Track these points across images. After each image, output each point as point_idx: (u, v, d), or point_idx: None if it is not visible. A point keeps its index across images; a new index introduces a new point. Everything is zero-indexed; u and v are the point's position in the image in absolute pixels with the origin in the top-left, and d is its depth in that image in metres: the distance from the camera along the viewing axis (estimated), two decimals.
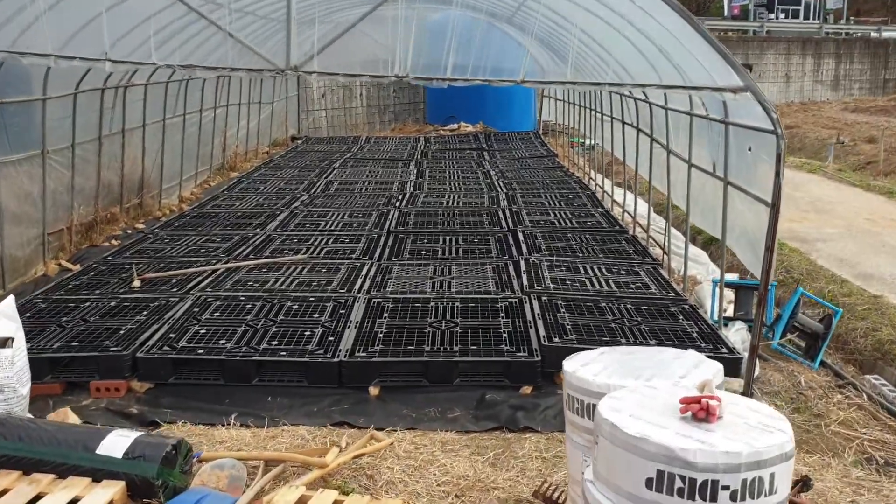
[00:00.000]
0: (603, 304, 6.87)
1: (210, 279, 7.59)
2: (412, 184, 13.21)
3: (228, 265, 8.04)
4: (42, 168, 8.54)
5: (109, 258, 8.49)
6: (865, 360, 6.96)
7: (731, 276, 8.25)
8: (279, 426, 5.15)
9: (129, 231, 10.37)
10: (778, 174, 5.01)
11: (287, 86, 19.97)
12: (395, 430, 5.08)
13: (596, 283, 7.49)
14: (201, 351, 5.85)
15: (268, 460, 4.47)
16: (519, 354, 5.84)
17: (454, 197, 11.98)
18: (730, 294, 7.42)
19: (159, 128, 11.92)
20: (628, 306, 6.84)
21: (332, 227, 9.93)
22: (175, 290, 7.23)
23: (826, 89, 35.48)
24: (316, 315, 6.56)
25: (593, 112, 13.30)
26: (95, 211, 9.96)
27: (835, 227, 11.44)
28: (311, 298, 6.96)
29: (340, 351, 5.86)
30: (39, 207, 8.53)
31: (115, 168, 10.53)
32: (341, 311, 6.64)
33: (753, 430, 2.78)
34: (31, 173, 8.41)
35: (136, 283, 7.38)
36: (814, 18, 42.49)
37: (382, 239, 9.30)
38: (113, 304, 6.85)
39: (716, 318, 6.86)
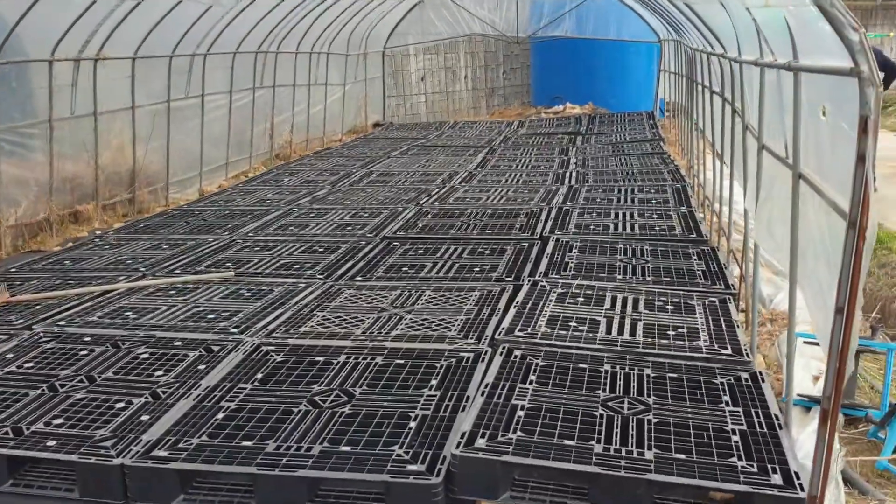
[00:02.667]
0: (606, 367, 4.32)
1: (90, 303, 5.67)
2: (464, 175, 10.87)
3: (133, 284, 6.09)
4: None
5: (13, 269, 6.78)
6: None
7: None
8: None
9: (99, 232, 8.71)
10: (863, 157, 2.36)
11: (367, 67, 18.06)
12: None
13: (617, 329, 4.92)
14: None
15: None
16: (411, 467, 3.45)
17: (501, 192, 9.54)
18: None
19: (161, 111, 10.26)
20: (647, 371, 4.26)
21: (318, 231, 7.82)
22: (21, 321, 5.34)
23: None
24: (159, 373, 4.45)
25: (692, 82, 10.41)
26: (48, 209, 8.36)
27: None
28: (178, 342, 4.85)
29: (131, 449, 3.70)
30: None
31: (83, 158, 8.91)
32: (199, 367, 4.49)
33: None
34: None
35: None
36: None
37: (367, 248, 7.08)
38: None
39: (794, 398, 4.16)
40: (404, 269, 6.45)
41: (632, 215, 7.99)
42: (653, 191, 9.25)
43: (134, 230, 8.20)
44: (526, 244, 7.02)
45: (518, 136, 15.19)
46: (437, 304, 5.48)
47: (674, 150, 13.25)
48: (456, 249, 6.96)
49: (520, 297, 5.50)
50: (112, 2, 8.19)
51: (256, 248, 7.21)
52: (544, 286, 5.73)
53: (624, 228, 7.47)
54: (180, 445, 3.67)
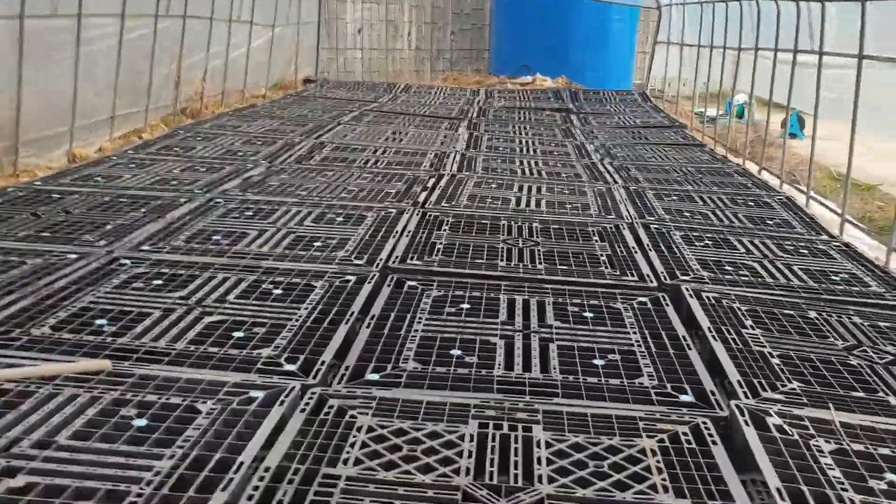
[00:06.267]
0: None
1: None
2: (457, 158, 7.72)
3: None
4: None
5: None
6: None
7: None
8: None
9: None
10: None
11: (300, 7, 14.51)
12: None
13: None
14: None
15: None
16: None
17: (532, 189, 6.46)
18: None
19: (9, 31, 6.65)
20: None
21: (265, 247, 4.54)
22: None
23: None
24: None
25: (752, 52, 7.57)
26: None
27: None
28: None
29: None
30: None
31: None
32: None
33: None
34: None
35: None
36: None
37: (362, 293, 3.88)
38: None
39: None
40: (451, 351, 3.30)
41: (768, 247, 5.08)
42: (750, 203, 6.39)
43: None
44: (647, 300, 3.98)
45: (496, 108, 12.12)
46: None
47: (706, 142, 10.50)
48: (528, 303, 3.86)
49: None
50: None
51: (158, 283, 3.88)
52: (770, 426, 2.72)
53: (783, 276, 4.54)
54: None
